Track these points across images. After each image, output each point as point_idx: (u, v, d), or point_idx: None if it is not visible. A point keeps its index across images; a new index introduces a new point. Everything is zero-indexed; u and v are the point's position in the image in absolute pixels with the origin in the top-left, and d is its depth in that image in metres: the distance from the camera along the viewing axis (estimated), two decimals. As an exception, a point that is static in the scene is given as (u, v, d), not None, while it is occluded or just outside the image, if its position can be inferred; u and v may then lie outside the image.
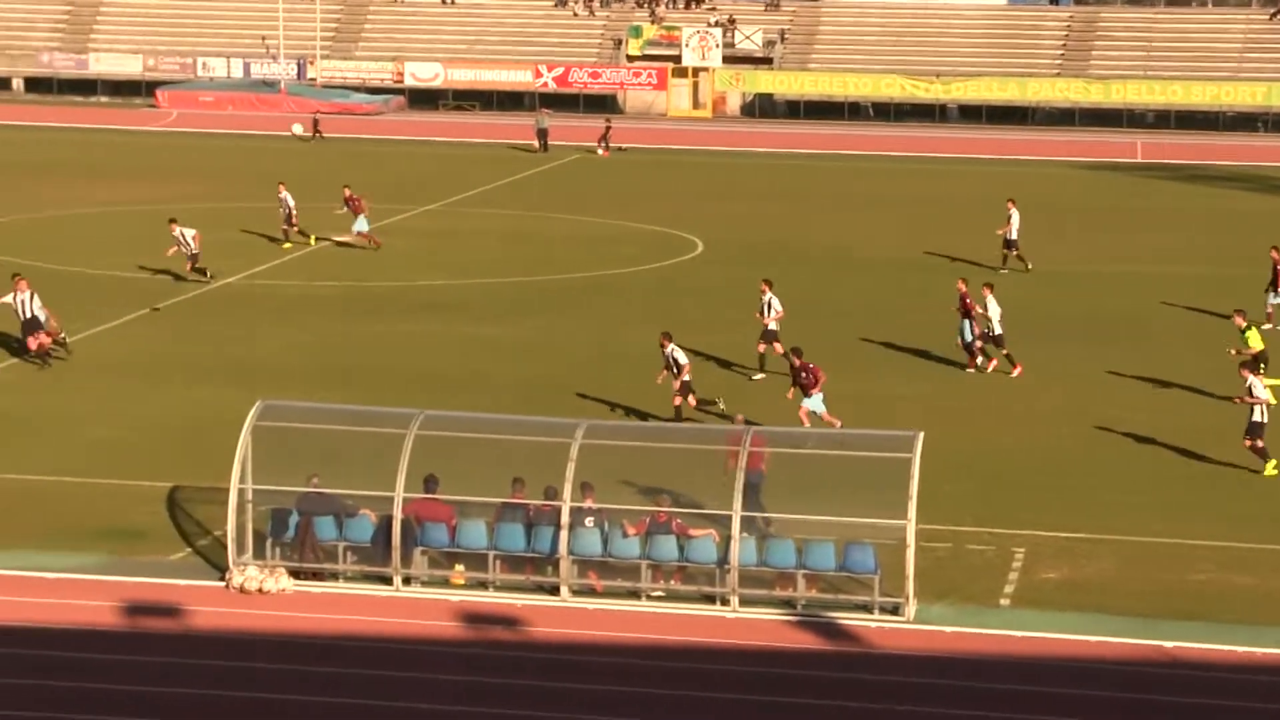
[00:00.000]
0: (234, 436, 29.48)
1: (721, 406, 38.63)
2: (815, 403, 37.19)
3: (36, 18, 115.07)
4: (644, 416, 38.53)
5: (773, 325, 42.81)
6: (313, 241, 59.28)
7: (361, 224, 59.16)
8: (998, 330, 43.39)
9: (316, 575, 29.22)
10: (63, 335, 43.49)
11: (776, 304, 43.05)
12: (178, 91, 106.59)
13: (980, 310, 43.38)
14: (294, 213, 59.01)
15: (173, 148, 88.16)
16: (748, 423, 32.98)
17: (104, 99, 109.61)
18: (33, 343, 42.63)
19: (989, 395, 41.83)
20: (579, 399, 39.97)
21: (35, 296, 42.83)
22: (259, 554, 29.31)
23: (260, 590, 28.57)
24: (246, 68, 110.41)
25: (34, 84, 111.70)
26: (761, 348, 42.60)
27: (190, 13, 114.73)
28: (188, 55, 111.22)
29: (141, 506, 32.56)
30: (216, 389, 40.73)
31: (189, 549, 30.62)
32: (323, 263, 57.36)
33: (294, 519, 29.43)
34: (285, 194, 59.16)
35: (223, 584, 28.82)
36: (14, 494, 33.27)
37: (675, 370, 38.16)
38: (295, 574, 29.02)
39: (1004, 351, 43.42)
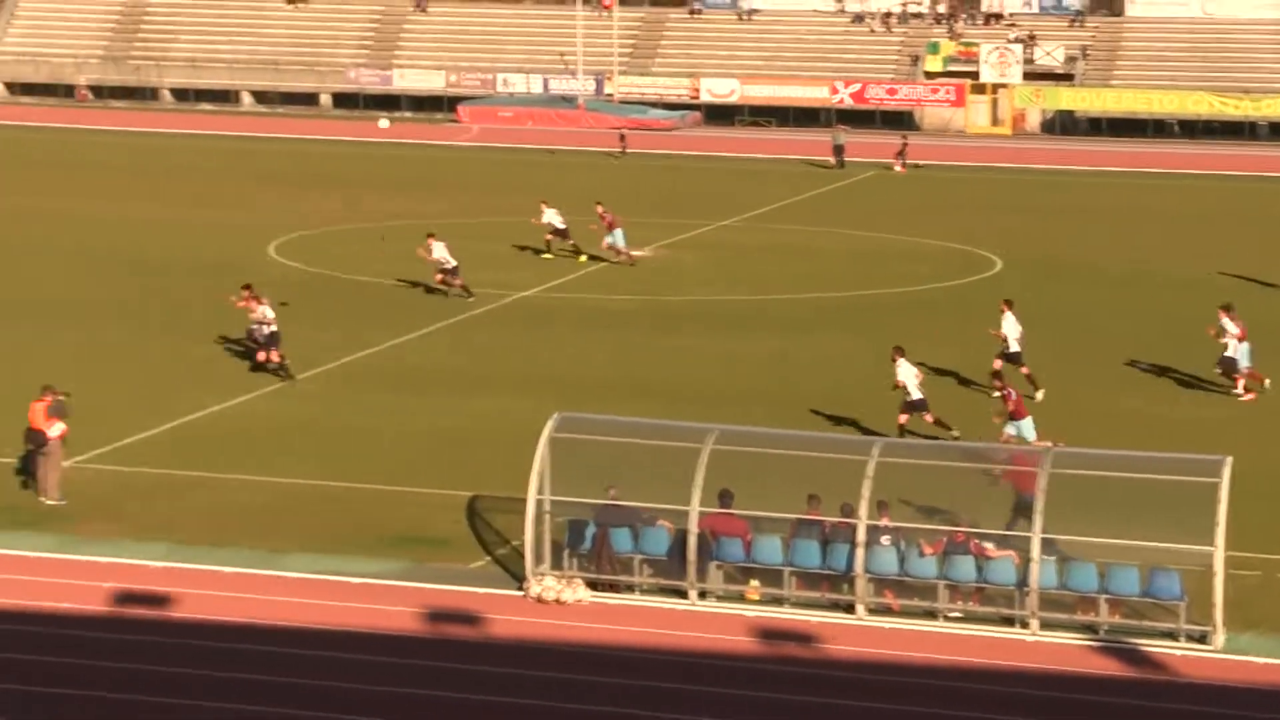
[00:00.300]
0: (532, 447, 29.70)
1: (955, 435, 38.06)
2: (1021, 427, 36.44)
3: (344, 35, 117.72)
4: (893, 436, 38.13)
5: (1014, 348, 42.14)
6: (551, 255, 59.62)
7: (618, 238, 59.33)
8: (1230, 354, 42.33)
9: (613, 587, 29.31)
10: (285, 362, 43.47)
11: (1008, 326, 42.27)
12: (478, 107, 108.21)
13: (1217, 334, 42.42)
14: (559, 228, 59.46)
15: (473, 162, 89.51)
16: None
17: (407, 114, 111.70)
18: (262, 355, 43.20)
19: (1297, 419, 40.67)
20: (874, 416, 39.56)
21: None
22: (556, 564, 29.49)
23: (558, 600, 28.74)
24: (545, 83, 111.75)
25: (341, 100, 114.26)
26: (998, 364, 41.84)
27: (491, 30, 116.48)
28: (488, 71, 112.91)
29: (442, 515, 32.99)
30: (514, 400, 41.14)
31: (488, 558, 30.92)
32: (620, 277, 57.71)
33: (591, 530, 29.57)
34: (547, 209, 59.68)
35: (520, 593, 29.05)
36: (320, 500, 33.92)
37: (904, 388, 38.24)
38: (592, 585, 29.15)
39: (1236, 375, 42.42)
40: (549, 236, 59.91)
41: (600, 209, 60.07)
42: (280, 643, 26.78)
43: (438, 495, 34.06)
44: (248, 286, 44.86)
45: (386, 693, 25.14)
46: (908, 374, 38.31)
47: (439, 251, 52.46)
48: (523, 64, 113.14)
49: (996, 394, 37.89)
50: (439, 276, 52.64)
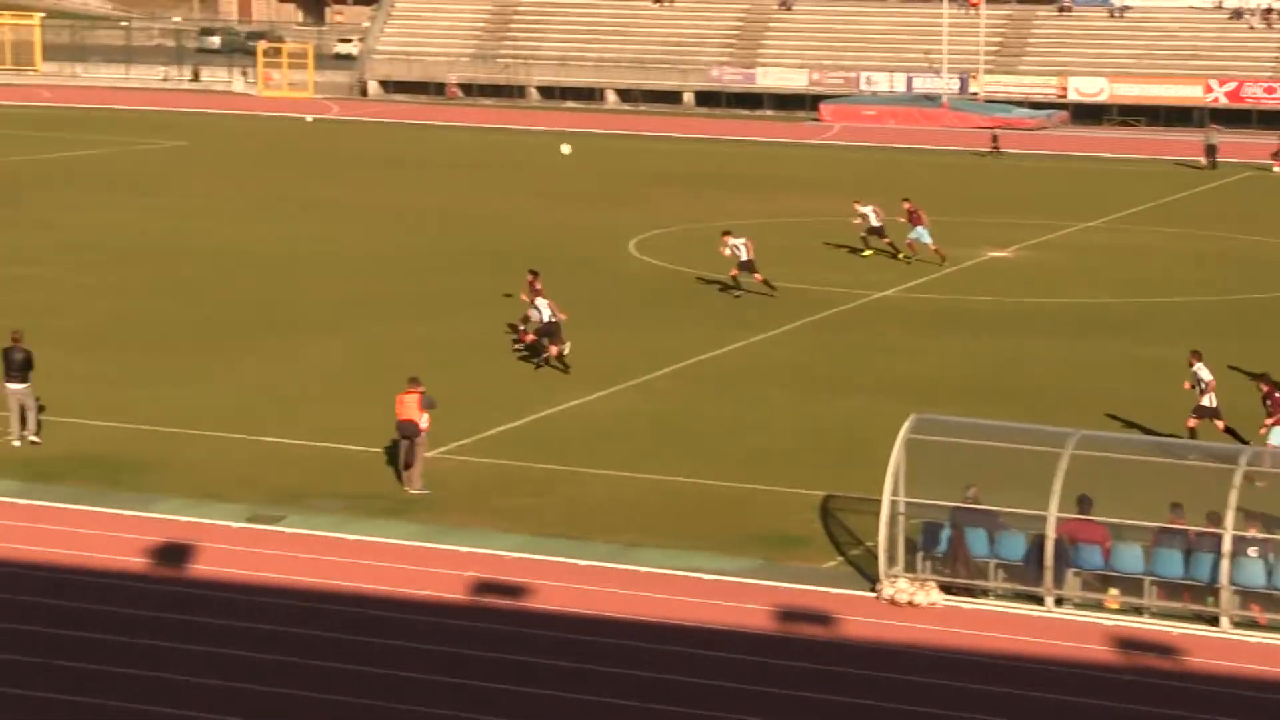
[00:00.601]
0: (886, 448, 29.49)
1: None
2: (1276, 435, 34.85)
3: (708, 34, 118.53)
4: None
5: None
6: (868, 254, 59.14)
7: (922, 235, 58.46)
8: None
9: (967, 591, 28.95)
10: (564, 349, 43.55)
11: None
12: (840, 105, 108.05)
13: None
14: (875, 225, 58.97)
15: (833, 161, 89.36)
16: None
17: (769, 112, 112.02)
18: (554, 349, 43.38)
19: None
20: (1235, 424, 38.39)
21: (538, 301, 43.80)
22: (910, 566, 29.22)
23: (910, 603, 28.48)
24: (909, 82, 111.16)
25: (703, 98, 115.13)
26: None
27: (856, 28, 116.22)
28: (851, 70, 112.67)
29: (796, 514, 32.93)
30: (869, 400, 40.91)
31: (841, 558, 30.78)
32: (979, 277, 57.09)
33: (945, 533, 29.24)
34: (862, 208, 59.30)
35: (873, 594, 28.86)
36: (674, 496, 34.11)
37: (1200, 390, 37.08)
38: (946, 588, 28.82)
39: None
40: (865, 235, 59.51)
41: (908, 205, 59.44)
42: (633, 637, 26.99)
43: (792, 494, 34.01)
44: (534, 273, 45.38)
45: (738, 689, 25.17)
46: (1206, 377, 37.12)
47: (736, 247, 52.48)
48: (886, 62, 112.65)
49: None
50: (734, 272, 52.64)
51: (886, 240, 59.17)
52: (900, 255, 58.72)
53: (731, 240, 52.61)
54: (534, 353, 43.92)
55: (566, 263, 57.96)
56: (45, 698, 24.34)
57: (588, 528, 32.02)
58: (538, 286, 44.68)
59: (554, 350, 43.34)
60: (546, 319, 43.38)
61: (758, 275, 52.31)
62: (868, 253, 59.20)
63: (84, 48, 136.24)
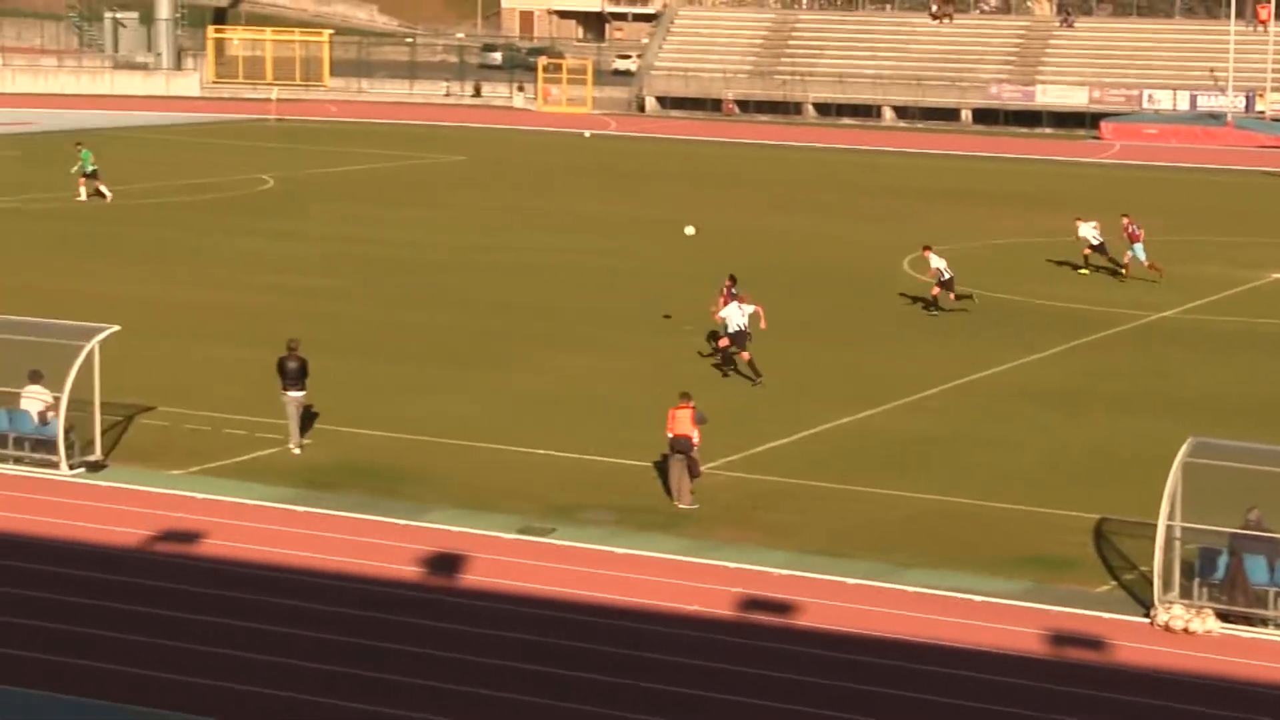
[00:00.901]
0: (1162, 471, 28.94)
1: None
2: None
3: (988, 51, 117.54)
4: None
5: None
6: (1087, 271, 58.55)
7: (1138, 252, 57.45)
8: None
9: (1245, 619, 28.26)
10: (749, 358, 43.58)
11: None
12: (1121, 124, 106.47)
13: None
14: (1094, 243, 58.29)
15: (1112, 180, 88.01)
16: None
17: (1048, 130, 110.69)
18: (745, 355, 43.34)
19: None
20: None
21: (742, 307, 43.62)
22: (1186, 593, 28.62)
23: (1186, 630, 27.89)
24: (1193, 100, 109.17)
25: (981, 115, 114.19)
26: None
27: (1139, 45, 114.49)
28: (1133, 87, 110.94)
29: (1067, 536, 32.43)
30: (1144, 422, 40.19)
31: (1114, 582, 30.25)
32: (1263, 300, 55.90)
33: (1223, 559, 28.58)
34: (1083, 224, 58.77)
35: (1147, 620, 28.31)
36: (943, 516, 33.79)
37: None
38: (1223, 616, 28.17)
39: None
40: (1086, 251, 58.86)
41: (1125, 221, 58.67)
42: (900, 657, 26.76)
43: (1062, 516, 33.50)
44: (732, 278, 45.23)
45: (1007, 713, 24.84)
46: None
47: (936, 263, 51.83)
48: (1170, 80, 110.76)
49: None
50: (935, 290, 51.99)
51: (1108, 258, 58.52)
52: (1121, 272, 58.21)
53: (931, 256, 52.17)
54: (726, 360, 44.01)
55: (840, 280, 57.80)
56: (307, 700, 24.80)
57: (855, 546, 31.84)
58: (734, 292, 44.64)
59: (745, 356, 43.45)
60: (734, 328, 43.43)
61: (952, 294, 51.85)
62: (1084, 270, 58.53)
63: (370, 63, 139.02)
